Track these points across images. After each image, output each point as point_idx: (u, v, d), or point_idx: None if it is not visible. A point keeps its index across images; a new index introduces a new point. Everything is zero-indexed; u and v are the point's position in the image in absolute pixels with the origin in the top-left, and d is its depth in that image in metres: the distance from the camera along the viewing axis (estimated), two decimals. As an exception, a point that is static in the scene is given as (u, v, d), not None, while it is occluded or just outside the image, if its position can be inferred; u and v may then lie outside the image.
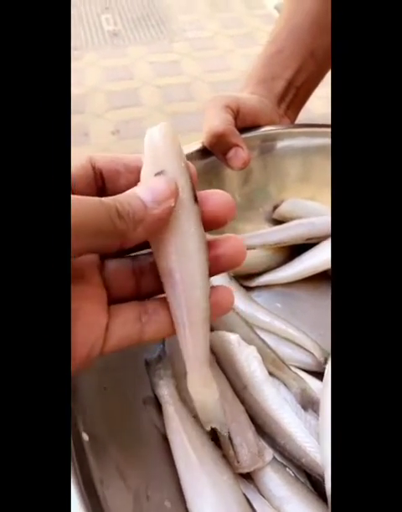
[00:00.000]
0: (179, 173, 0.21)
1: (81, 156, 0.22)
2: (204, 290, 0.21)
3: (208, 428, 0.24)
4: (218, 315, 0.22)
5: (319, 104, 0.97)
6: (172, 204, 0.20)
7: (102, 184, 0.22)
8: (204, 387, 0.23)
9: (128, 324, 0.21)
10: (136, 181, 0.22)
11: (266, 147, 0.45)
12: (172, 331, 0.22)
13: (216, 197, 0.22)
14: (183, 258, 0.21)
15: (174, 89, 1.08)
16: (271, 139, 0.45)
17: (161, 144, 0.21)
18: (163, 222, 0.20)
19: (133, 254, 0.23)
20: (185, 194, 0.21)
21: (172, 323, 0.22)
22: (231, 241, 0.22)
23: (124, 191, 0.22)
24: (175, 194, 0.20)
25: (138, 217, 0.19)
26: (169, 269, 0.21)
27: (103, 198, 0.19)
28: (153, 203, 0.20)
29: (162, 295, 0.22)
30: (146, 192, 0.20)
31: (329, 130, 0.45)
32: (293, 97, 0.46)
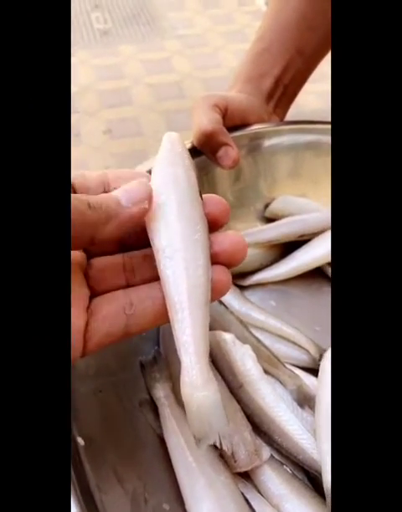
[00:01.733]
0: (190, 168, 0.23)
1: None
2: (207, 271, 0.21)
3: (203, 448, 0.20)
4: (214, 299, 0.21)
5: (309, 99, 0.97)
6: (147, 206, 0.21)
7: None
8: (203, 386, 0.19)
9: (111, 319, 0.21)
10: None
11: (255, 146, 0.45)
12: (159, 322, 0.22)
13: (213, 201, 0.23)
14: (187, 237, 0.21)
15: (166, 87, 1.07)
16: (260, 137, 0.45)
17: (177, 144, 0.24)
18: (137, 222, 0.21)
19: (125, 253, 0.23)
20: (192, 185, 0.22)
21: (159, 313, 0.21)
22: (231, 237, 0.22)
23: None
24: (150, 196, 0.21)
25: (110, 212, 0.20)
26: (172, 248, 0.21)
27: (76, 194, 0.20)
28: (128, 202, 0.21)
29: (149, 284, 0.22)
30: (122, 193, 0.21)
31: (318, 126, 0.45)
32: (281, 95, 0.46)
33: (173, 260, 0.21)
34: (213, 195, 0.23)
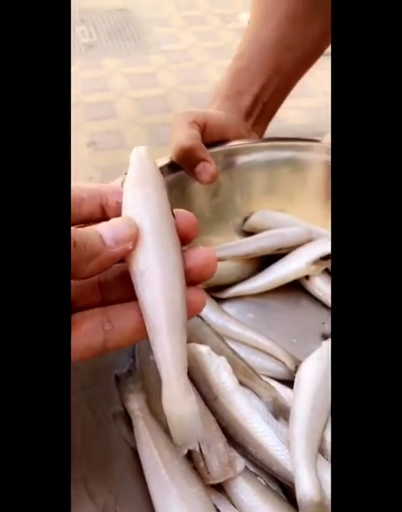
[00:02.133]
0: (161, 186, 0.23)
1: None
2: (182, 291, 0.21)
3: (185, 452, 0.22)
4: (190, 317, 0.22)
5: (290, 114, 0.99)
6: (131, 247, 0.21)
7: None
8: (183, 400, 0.21)
9: (90, 334, 0.21)
10: (97, 206, 0.22)
11: (230, 162, 0.46)
12: (137, 338, 0.22)
13: (181, 216, 0.23)
14: (163, 261, 0.21)
15: (150, 101, 1.09)
16: (235, 154, 0.46)
17: (146, 160, 0.23)
18: (116, 261, 0.21)
19: None
20: (164, 205, 0.22)
21: (136, 329, 0.22)
22: (202, 253, 0.22)
23: (87, 217, 0.22)
24: (135, 237, 0.21)
25: (93, 251, 0.20)
26: (149, 272, 0.21)
27: None
28: (112, 241, 0.20)
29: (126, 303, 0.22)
30: (107, 230, 0.21)
31: (293, 143, 0.47)
32: (260, 112, 0.47)
33: (150, 284, 0.21)
34: (182, 210, 0.23)
